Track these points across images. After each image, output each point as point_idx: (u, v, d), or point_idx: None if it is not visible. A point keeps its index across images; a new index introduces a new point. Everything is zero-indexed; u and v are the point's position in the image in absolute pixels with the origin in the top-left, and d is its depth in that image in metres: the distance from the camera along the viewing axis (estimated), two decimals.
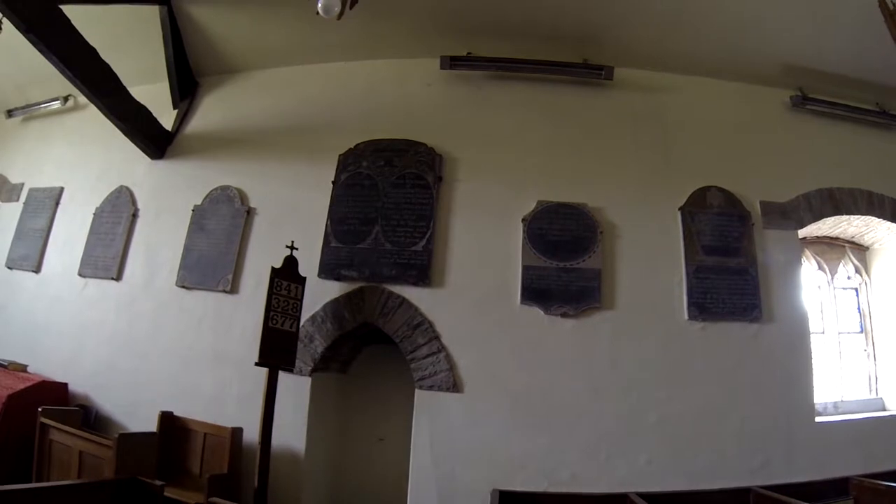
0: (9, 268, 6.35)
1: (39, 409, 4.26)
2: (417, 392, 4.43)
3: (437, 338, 4.49)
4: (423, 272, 4.58)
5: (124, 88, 5.23)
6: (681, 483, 4.06)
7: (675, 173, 4.83)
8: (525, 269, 4.55)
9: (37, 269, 6.11)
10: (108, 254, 5.59)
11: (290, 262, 4.58)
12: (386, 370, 5.09)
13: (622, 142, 4.93)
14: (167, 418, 4.75)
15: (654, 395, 4.28)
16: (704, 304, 4.49)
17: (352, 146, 5.02)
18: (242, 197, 5.22)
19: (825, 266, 5.26)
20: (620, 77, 4.98)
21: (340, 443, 5.01)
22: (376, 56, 5.36)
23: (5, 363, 5.58)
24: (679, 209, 4.69)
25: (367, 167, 4.92)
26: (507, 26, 4.94)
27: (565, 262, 4.56)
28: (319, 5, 3.54)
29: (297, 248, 4.58)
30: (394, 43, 5.23)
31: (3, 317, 6.10)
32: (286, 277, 4.52)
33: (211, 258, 5.08)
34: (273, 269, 4.43)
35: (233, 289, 4.95)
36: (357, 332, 4.71)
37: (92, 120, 6.45)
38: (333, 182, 4.96)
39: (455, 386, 4.39)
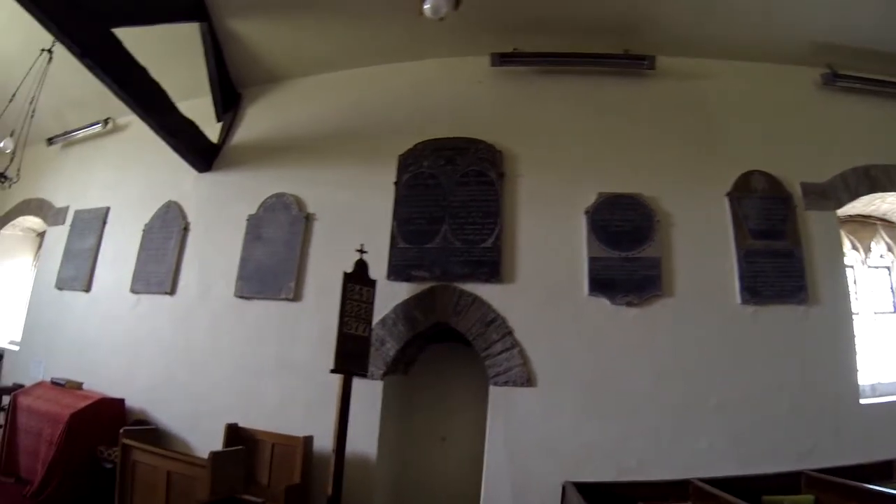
0: (59, 288, 5.53)
1: (121, 431, 3.52)
2: (492, 388, 3.77)
3: (511, 333, 3.90)
4: (495, 269, 3.96)
5: (174, 105, 4.51)
6: (736, 467, 3.53)
7: (719, 159, 4.26)
8: (591, 260, 3.96)
9: (87, 289, 5.30)
10: (160, 269, 4.84)
11: (361, 266, 3.94)
12: (446, 369, 4.41)
13: (667, 130, 4.35)
14: (233, 430, 4.00)
15: (713, 381, 3.74)
16: (755, 288, 3.95)
17: (410, 146, 4.32)
18: (299, 203, 4.47)
19: (858, 245, 4.77)
20: (661, 65, 4.42)
21: (404, 444, 4.30)
22: (421, 57, 4.66)
23: (62, 382, 4.80)
24: (726, 195, 4.13)
25: (428, 166, 4.25)
26: (550, 21, 4.32)
27: (627, 251, 4.02)
28: (427, 6, 3.24)
29: (366, 252, 3.99)
30: (438, 43, 4.54)
31: (56, 336, 5.28)
32: (357, 281, 3.88)
33: (270, 267, 4.33)
34: (345, 273, 3.79)
35: (296, 296, 4.22)
36: (426, 333, 4.09)
37: (132, 140, 5.70)
38: (396, 183, 4.24)
39: (529, 380, 3.77)
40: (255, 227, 4.49)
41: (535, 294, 3.97)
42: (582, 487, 3.40)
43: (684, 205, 4.20)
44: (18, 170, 4.74)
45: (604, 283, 3.98)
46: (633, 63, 4.43)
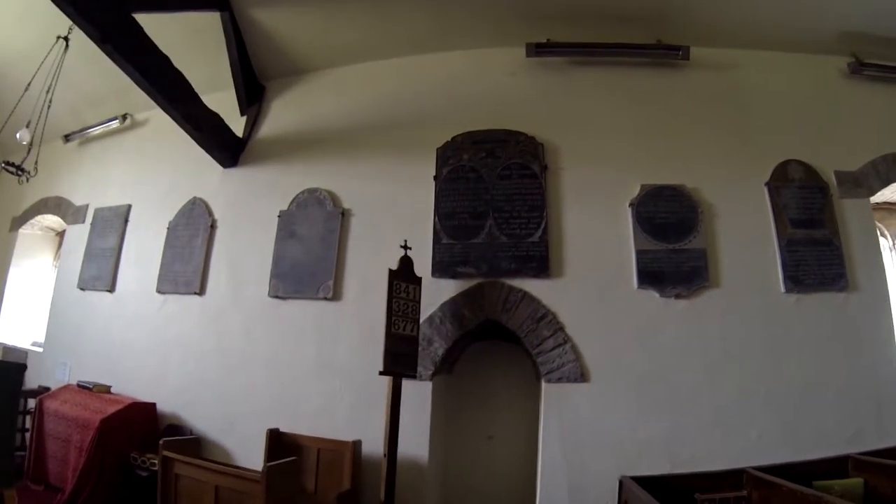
0: (81, 289, 5.02)
1: (161, 442, 3.06)
2: (546, 385, 3.43)
3: (562, 329, 3.55)
4: (543, 263, 3.58)
5: (198, 97, 3.99)
6: (787, 455, 3.30)
7: (755, 149, 3.92)
8: (638, 252, 3.61)
9: (111, 289, 4.80)
10: (187, 268, 4.37)
11: (406, 263, 3.53)
12: (489, 367, 4.04)
13: (702, 120, 4.00)
14: (275, 435, 3.59)
15: (761, 370, 3.47)
16: (798, 277, 3.64)
17: (448, 139, 3.87)
18: (334, 199, 4.01)
19: (886, 232, 4.53)
20: (694, 56, 4.05)
21: (451, 445, 3.93)
22: (450, 48, 4.20)
23: (90, 385, 4.34)
24: (765, 184, 3.81)
25: (468, 160, 3.82)
26: (582, 11, 3.92)
27: (674, 243, 3.67)
28: None
29: (410, 248, 3.60)
30: (469, 33, 4.09)
31: (80, 338, 4.80)
32: (403, 279, 3.48)
33: (306, 265, 3.88)
34: (390, 270, 3.42)
35: (335, 296, 3.78)
36: (474, 331, 3.71)
37: (151, 135, 5.17)
38: (435, 177, 3.82)
39: (582, 376, 3.44)
40: (288, 224, 4.04)
41: (584, 288, 3.61)
42: (639, 481, 3.14)
43: (725, 195, 3.87)
44: (36, 163, 4.21)
45: (652, 275, 3.65)
46: (667, 53, 4.05)
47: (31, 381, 5.19)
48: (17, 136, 4.15)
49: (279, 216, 4.07)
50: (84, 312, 4.91)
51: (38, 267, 6.04)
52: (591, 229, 3.70)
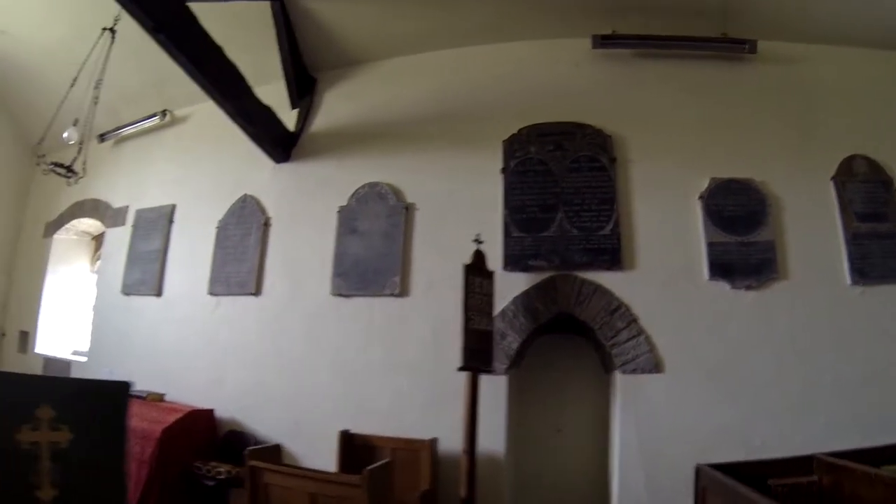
0: (125, 294, 4.94)
1: (246, 452, 2.93)
2: (621, 377, 3.41)
3: (636, 321, 3.51)
4: (615, 256, 3.56)
5: (251, 90, 3.97)
6: (855, 441, 3.32)
7: (820, 144, 3.91)
8: (709, 245, 3.59)
9: (157, 293, 4.70)
10: (241, 268, 4.30)
11: (479, 257, 3.50)
12: (556, 360, 3.98)
13: (767, 114, 3.99)
14: (347, 437, 3.51)
15: (828, 360, 3.46)
16: (863, 269, 3.63)
17: (514, 132, 3.85)
18: (396, 193, 3.96)
19: None
20: (759, 49, 4.03)
21: (521, 438, 3.87)
22: (512, 39, 4.17)
23: (143, 394, 4.22)
24: (831, 179, 3.80)
25: (536, 152, 3.78)
26: (647, 3, 3.94)
27: (743, 236, 3.66)
28: None
29: (482, 242, 3.56)
30: (531, 24, 4.07)
31: (126, 344, 4.70)
32: (477, 273, 3.46)
33: (370, 261, 3.82)
34: (465, 265, 3.37)
35: (402, 292, 3.73)
36: (546, 324, 3.70)
37: (193, 132, 5.13)
38: (503, 170, 3.79)
39: (656, 367, 3.43)
40: (349, 220, 3.99)
41: (656, 280, 3.59)
42: (717, 469, 3.11)
43: (792, 189, 3.86)
44: (84, 163, 4.14)
45: (723, 267, 3.64)
46: (734, 47, 4.05)
47: None
48: (65, 135, 4.07)
49: (339, 212, 4.02)
50: (129, 318, 4.82)
51: (75, 273, 5.92)
52: (661, 222, 3.68)
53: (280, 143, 4.31)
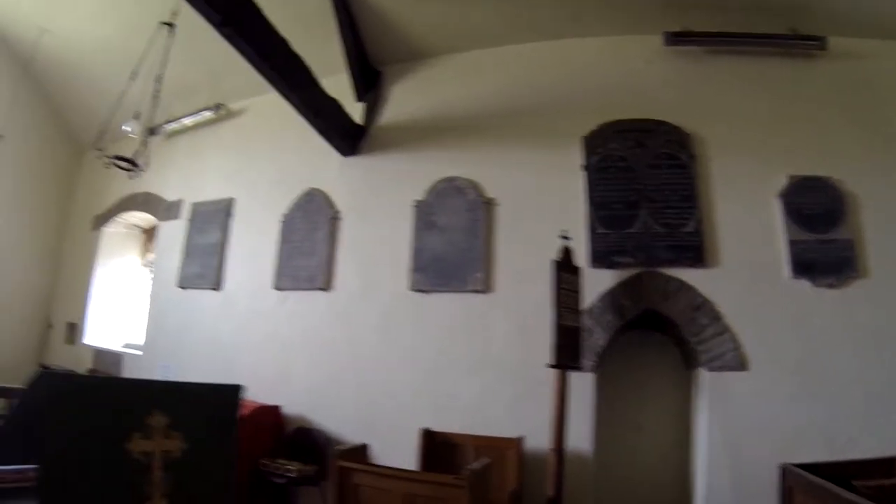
0: (182, 287, 4.93)
1: (336, 451, 2.89)
2: (706, 374, 3.42)
3: (720, 318, 3.52)
4: (698, 253, 3.57)
5: (317, 82, 3.95)
6: None
7: (893, 142, 3.88)
8: (791, 243, 3.61)
9: (216, 287, 4.70)
10: (310, 263, 4.30)
11: (567, 253, 3.53)
12: (634, 356, 3.96)
13: (839, 112, 3.96)
14: (428, 435, 3.50)
15: None
16: None
17: (593, 128, 3.85)
18: (475, 188, 3.96)
19: None
20: (829, 45, 4.02)
21: (602, 435, 3.98)
22: (583, 34, 4.17)
23: None
24: None
25: (616, 149, 3.80)
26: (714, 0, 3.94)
27: (822, 234, 3.67)
28: None
29: (570, 238, 3.57)
30: (601, 20, 4.09)
31: (183, 339, 4.69)
32: (565, 269, 3.49)
33: (451, 257, 3.81)
34: (555, 261, 3.39)
35: (485, 288, 3.73)
36: (633, 321, 3.72)
37: (251, 125, 5.12)
38: (584, 166, 3.80)
39: (741, 364, 3.45)
40: (426, 215, 3.99)
41: (738, 277, 3.61)
42: (803, 468, 3.13)
43: (869, 187, 3.85)
44: (147, 157, 4.11)
45: (805, 265, 3.65)
46: (805, 43, 4.05)
47: None
48: (126, 128, 4.04)
49: (415, 206, 4.01)
50: (186, 312, 4.81)
51: (125, 265, 5.90)
52: (741, 219, 3.70)
53: (348, 137, 4.30)
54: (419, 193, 4.08)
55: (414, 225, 3.99)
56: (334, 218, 4.26)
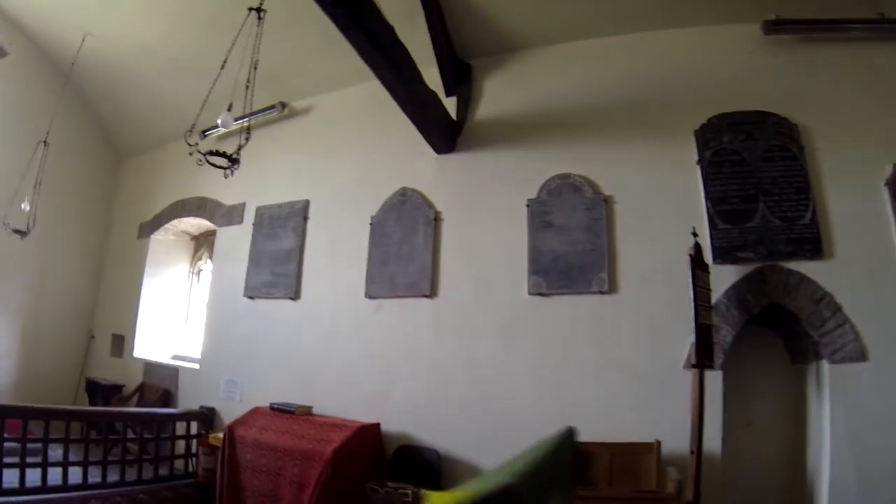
0: (250, 297, 4.72)
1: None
2: (830, 366, 3.51)
3: (840, 310, 3.68)
4: (816, 245, 3.67)
5: (420, 73, 3.77)
6: None
7: None
8: None
9: (294, 296, 4.54)
10: (409, 268, 4.18)
11: (699, 250, 3.59)
12: (740, 351, 4.21)
13: None
14: None
15: None
16: None
17: (704, 121, 3.90)
18: (592, 185, 3.94)
19: None
20: None
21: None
22: (680, 24, 4.18)
23: (291, 408, 4.10)
24: None
25: (728, 142, 3.85)
26: None
27: None
28: None
29: (697, 235, 3.60)
30: (698, 9, 4.13)
31: (252, 353, 4.52)
32: (699, 267, 3.55)
33: (572, 257, 3.78)
34: (691, 257, 3.43)
35: (611, 289, 3.73)
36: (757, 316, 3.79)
37: (320, 124, 4.96)
38: (699, 161, 3.85)
39: (861, 355, 3.61)
40: (541, 214, 3.95)
41: (855, 269, 3.72)
42: None
43: None
44: (238, 151, 3.81)
45: None
46: (893, 27, 4.17)
47: (191, 399, 4.86)
48: (219, 121, 3.79)
49: (527, 205, 3.96)
50: (255, 324, 4.63)
51: (175, 275, 5.59)
52: (853, 210, 3.80)
53: (447, 133, 4.16)
54: (530, 192, 4.03)
55: (528, 225, 3.92)
56: (435, 219, 4.16)
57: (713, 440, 3.51)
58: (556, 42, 4.36)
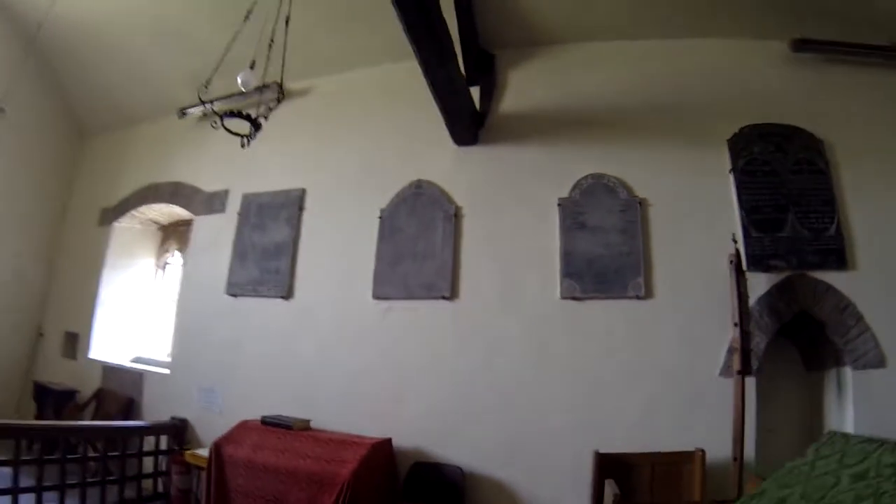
0: (232, 295, 4.22)
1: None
2: (853, 373, 3.62)
3: (862, 318, 3.80)
4: (840, 256, 3.78)
5: (456, 55, 3.53)
6: None
7: None
8: None
9: (286, 295, 4.11)
10: (425, 268, 3.88)
11: (738, 257, 3.55)
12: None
13: None
14: (602, 458, 3.28)
15: None
16: None
17: (736, 130, 3.92)
18: (626, 186, 3.84)
19: None
20: None
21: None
22: (711, 34, 4.22)
23: (287, 422, 3.70)
24: None
25: (759, 153, 3.89)
26: (832, 10, 4.13)
27: None
28: None
29: (737, 241, 3.57)
30: (730, 21, 4.18)
31: (234, 358, 4.09)
32: (739, 273, 3.51)
33: (607, 261, 3.65)
34: (733, 263, 3.39)
35: (647, 294, 3.64)
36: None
37: (319, 108, 4.60)
38: (732, 170, 3.86)
39: (881, 361, 3.74)
40: (573, 214, 3.79)
41: (876, 280, 3.86)
42: None
43: None
44: (266, 116, 3.36)
45: None
46: None
47: (159, 409, 4.29)
48: (239, 80, 3.33)
49: (559, 204, 3.78)
50: (238, 324, 4.19)
51: (140, 269, 4.94)
52: (874, 223, 3.93)
53: (472, 123, 3.92)
54: (561, 190, 3.87)
55: (560, 225, 3.74)
56: (455, 215, 3.88)
57: (748, 447, 3.45)
58: (585, 40, 4.27)
